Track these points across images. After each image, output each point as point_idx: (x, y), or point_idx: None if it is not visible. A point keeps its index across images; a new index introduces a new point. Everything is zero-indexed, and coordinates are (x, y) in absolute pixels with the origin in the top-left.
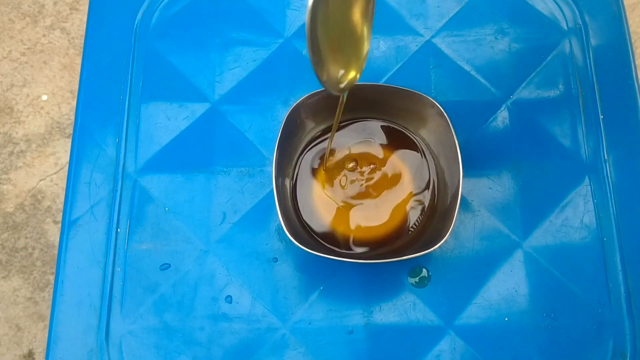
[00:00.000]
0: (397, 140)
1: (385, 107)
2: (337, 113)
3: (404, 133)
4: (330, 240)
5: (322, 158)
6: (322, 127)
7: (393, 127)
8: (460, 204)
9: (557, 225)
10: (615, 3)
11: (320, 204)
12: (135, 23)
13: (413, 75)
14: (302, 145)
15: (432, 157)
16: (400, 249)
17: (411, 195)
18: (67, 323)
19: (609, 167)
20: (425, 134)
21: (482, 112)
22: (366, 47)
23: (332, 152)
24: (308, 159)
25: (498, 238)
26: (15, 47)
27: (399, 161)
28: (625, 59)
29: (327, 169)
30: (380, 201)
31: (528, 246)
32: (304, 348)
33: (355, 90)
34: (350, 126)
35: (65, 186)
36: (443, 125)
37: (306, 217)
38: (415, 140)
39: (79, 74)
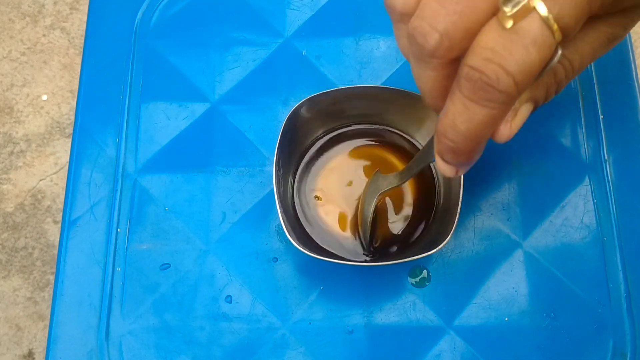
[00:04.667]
0: (396, 142)
1: (383, 109)
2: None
3: (403, 135)
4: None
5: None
6: (324, 127)
7: (392, 130)
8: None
9: (557, 225)
10: None
11: (322, 204)
12: (135, 23)
13: None
14: (303, 145)
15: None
16: (401, 251)
17: (412, 197)
18: (67, 323)
19: (609, 167)
20: (425, 135)
21: None
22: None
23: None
24: (309, 159)
25: (498, 238)
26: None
27: (399, 164)
28: (625, 58)
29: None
30: (380, 203)
31: (528, 246)
32: (304, 348)
33: (351, 95)
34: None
35: (65, 186)
36: None
37: (308, 217)
38: (414, 142)
39: (79, 74)
